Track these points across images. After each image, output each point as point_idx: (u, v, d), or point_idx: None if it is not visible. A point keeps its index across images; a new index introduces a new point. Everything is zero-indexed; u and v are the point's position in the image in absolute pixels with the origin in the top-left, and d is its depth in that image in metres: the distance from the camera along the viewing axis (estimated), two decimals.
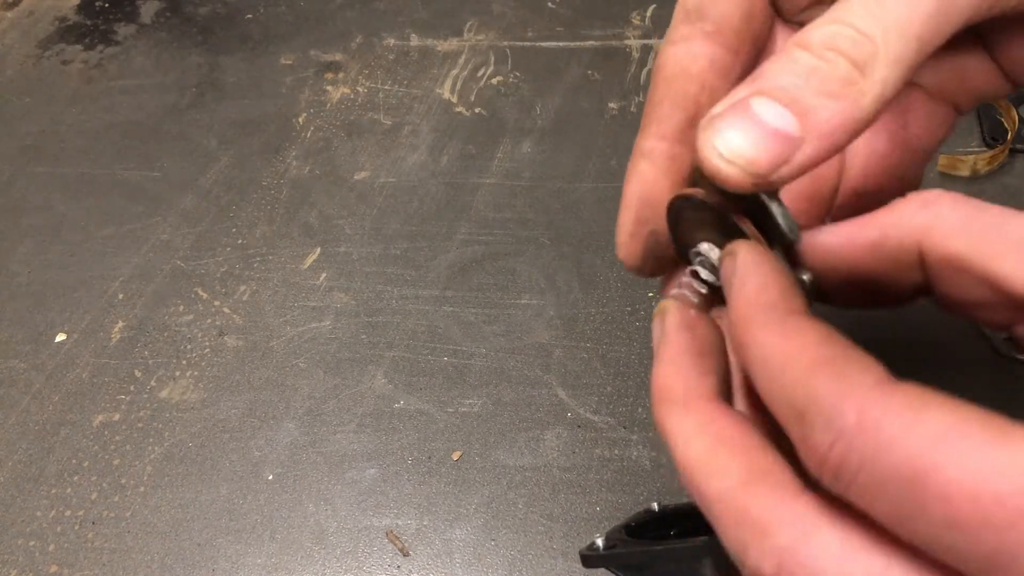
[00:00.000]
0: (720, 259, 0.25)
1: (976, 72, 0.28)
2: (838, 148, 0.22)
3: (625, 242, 0.27)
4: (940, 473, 0.17)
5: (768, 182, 0.22)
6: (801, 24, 0.27)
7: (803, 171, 0.22)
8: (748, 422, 0.22)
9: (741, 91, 0.22)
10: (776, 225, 0.23)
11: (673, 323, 0.25)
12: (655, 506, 0.37)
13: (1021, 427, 0.18)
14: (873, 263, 0.23)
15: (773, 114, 0.21)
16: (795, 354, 0.20)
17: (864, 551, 0.19)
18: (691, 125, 0.26)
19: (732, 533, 0.21)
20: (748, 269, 0.23)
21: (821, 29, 0.22)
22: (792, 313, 0.21)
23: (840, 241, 0.23)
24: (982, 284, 0.21)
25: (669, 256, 0.27)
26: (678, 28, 0.26)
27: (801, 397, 0.19)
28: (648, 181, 0.26)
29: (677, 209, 0.26)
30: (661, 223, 0.26)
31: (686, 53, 0.26)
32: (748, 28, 0.26)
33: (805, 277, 0.24)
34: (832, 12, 0.22)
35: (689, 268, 0.27)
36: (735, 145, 0.21)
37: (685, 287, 0.27)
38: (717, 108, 0.22)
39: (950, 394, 0.19)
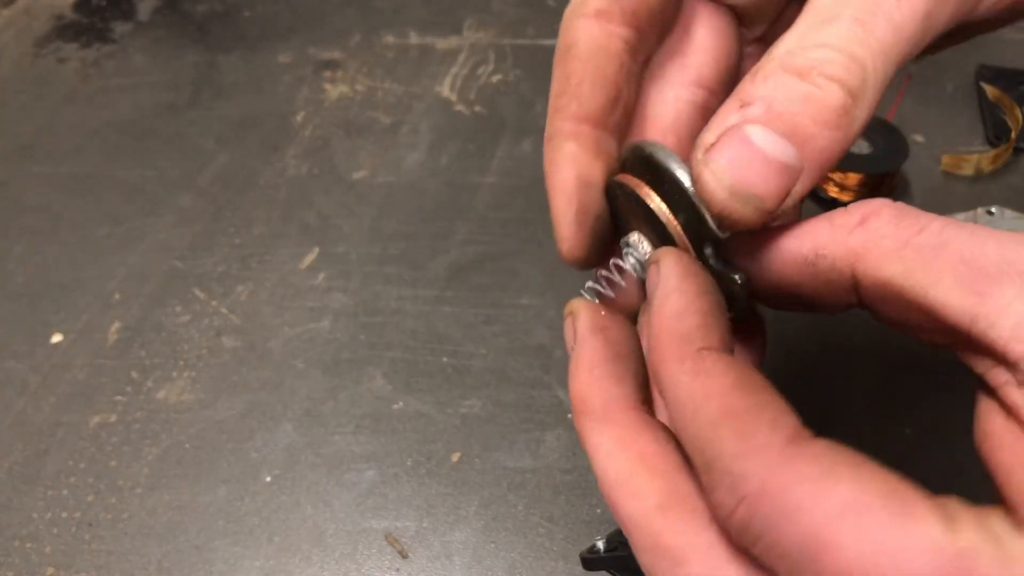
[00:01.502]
0: (647, 265, 0.24)
1: None
2: (825, 174, 0.21)
3: (571, 234, 0.25)
4: (838, 552, 0.17)
5: (772, 218, 0.21)
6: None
7: (799, 202, 0.21)
8: (668, 439, 0.22)
9: (731, 116, 0.21)
10: (705, 222, 0.22)
11: (585, 327, 0.24)
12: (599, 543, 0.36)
13: (923, 501, 0.17)
14: (806, 279, 0.21)
15: (772, 144, 0.20)
16: (703, 401, 0.19)
17: None
18: (613, 107, 0.25)
19: (645, 557, 0.20)
20: (669, 286, 0.22)
21: (809, 54, 0.21)
22: (706, 351, 0.20)
23: (772, 255, 0.22)
24: (916, 310, 0.20)
25: (608, 242, 0.26)
26: (590, 1, 0.25)
27: (708, 450, 0.19)
28: (583, 164, 0.24)
29: (611, 195, 0.25)
30: (602, 208, 0.25)
31: (603, 31, 0.25)
32: (661, 9, 0.25)
33: (737, 277, 0.22)
34: (814, 33, 0.21)
35: (612, 260, 0.25)
36: (743, 184, 0.20)
37: (601, 279, 0.26)
38: (709, 136, 0.21)
39: (859, 454, 0.18)
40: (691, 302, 0.21)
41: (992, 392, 0.19)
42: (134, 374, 0.48)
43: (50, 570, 0.41)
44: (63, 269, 0.54)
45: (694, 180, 0.21)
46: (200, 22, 0.72)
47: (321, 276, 0.52)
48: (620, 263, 0.25)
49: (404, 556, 0.40)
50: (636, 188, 0.23)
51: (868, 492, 0.17)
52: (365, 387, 0.46)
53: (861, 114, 0.21)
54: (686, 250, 0.23)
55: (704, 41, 0.26)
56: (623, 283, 0.25)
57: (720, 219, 0.21)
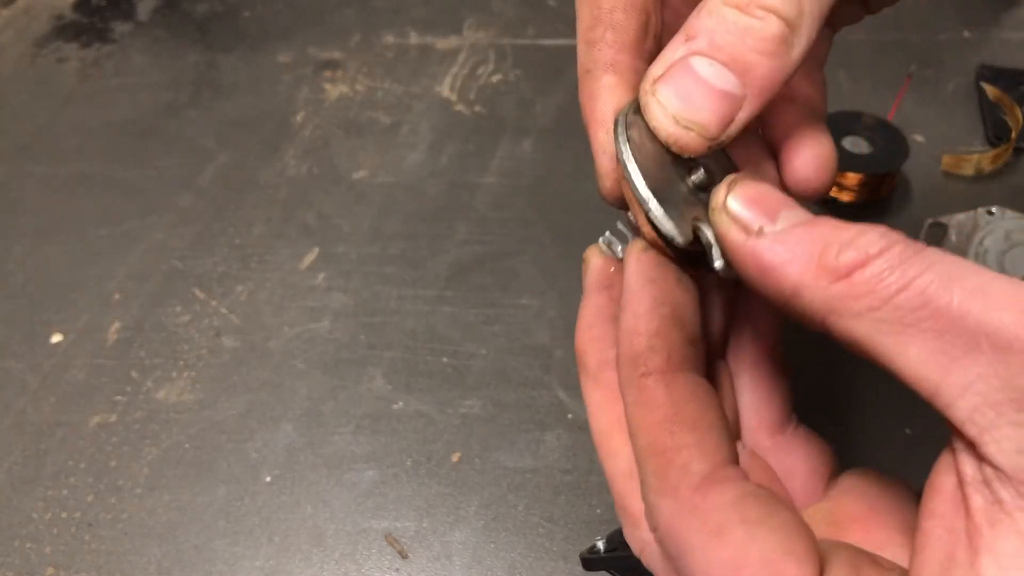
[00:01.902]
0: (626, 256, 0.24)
1: None
2: (769, 101, 0.22)
3: (612, 169, 0.25)
4: None
5: (718, 143, 0.22)
6: None
7: (744, 128, 0.22)
8: None
9: (678, 49, 0.22)
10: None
11: (591, 281, 0.26)
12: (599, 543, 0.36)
13: (798, 568, 0.19)
14: (780, 303, 0.22)
15: (715, 74, 0.21)
16: (635, 432, 0.22)
17: None
18: (644, 33, 0.25)
19: (617, 508, 0.24)
20: (632, 290, 0.23)
21: None
22: (647, 377, 0.22)
23: (758, 267, 0.22)
24: (883, 366, 0.20)
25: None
26: None
27: (639, 469, 0.22)
28: (621, 95, 0.25)
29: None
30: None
31: None
32: None
33: (718, 265, 0.22)
34: None
35: (619, 221, 0.26)
36: (687, 111, 0.21)
37: (616, 234, 0.26)
38: (657, 69, 0.22)
39: (769, 502, 0.20)
40: (641, 320, 0.22)
41: (953, 452, 0.19)
42: (134, 374, 0.48)
43: (50, 570, 0.41)
44: (63, 269, 0.54)
45: (643, 110, 0.22)
46: (200, 22, 0.72)
47: (321, 276, 0.52)
48: (623, 228, 0.26)
49: (404, 556, 0.40)
50: (624, 168, 0.23)
51: (748, 555, 0.19)
52: (365, 387, 0.46)
53: (799, 43, 0.22)
54: (656, 247, 0.23)
55: None
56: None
57: (668, 146, 0.22)
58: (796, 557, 0.19)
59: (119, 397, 0.47)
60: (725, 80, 0.21)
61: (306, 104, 0.63)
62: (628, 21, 0.25)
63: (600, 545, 0.33)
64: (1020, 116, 0.53)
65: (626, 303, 0.23)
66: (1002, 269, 0.47)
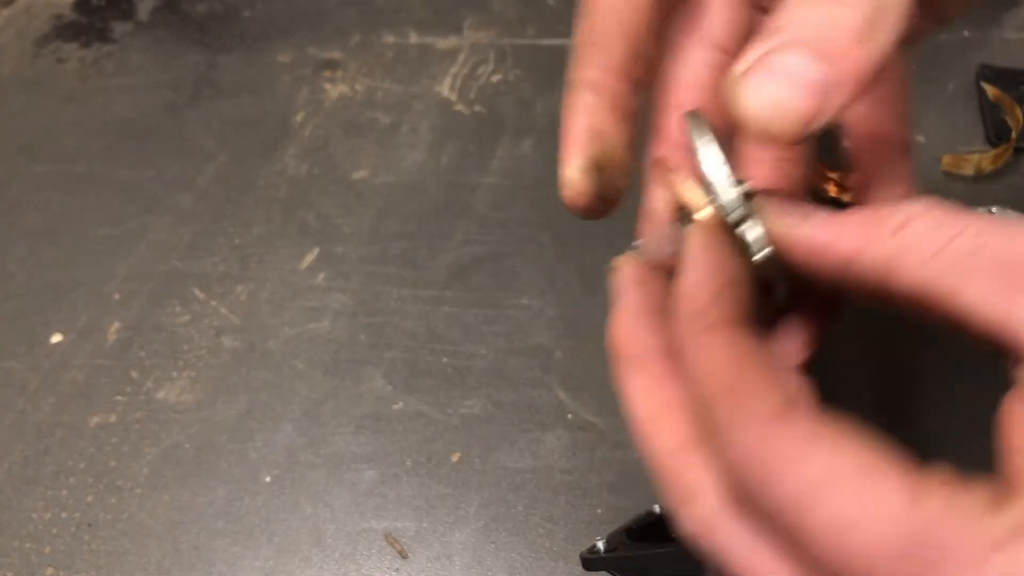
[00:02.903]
0: (681, 230, 0.25)
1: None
2: (864, 89, 0.22)
3: (576, 178, 0.26)
4: (813, 517, 0.18)
5: (805, 134, 0.21)
6: None
7: (837, 117, 0.22)
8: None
9: (763, 44, 0.21)
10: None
11: (627, 279, 0.27)
12: (656, 509, 0.36)
13: (897, 474, 0.19)
14: (836, 276, 0.22)
15: (802, 65, 0.21)
16: (704, 376, 0.21)
17: (766, 554, 0.20)
18: (634, 59, 0.26)
19: (667, 491, 0.23)
20: (689, 260, 0.23)
21: None
22: (712, 329, 0.22)
23: (809, 248, 0.23)
24: (945, 315, 0.20)
25: (613, 196, 0.28)
26: None
27: (708, 414, 0.21)
28: (596, 114, 0.26)
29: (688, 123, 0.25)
30: (613, 161, 0.26)
31: None
32: None
33: (767, 252, 0.23)
34: None
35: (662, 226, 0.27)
36: (776, 101, 0.21)
37: (652, 240, 0.27)
38: (743, 64, 0.22)
39: (848, 425, 0.20)
40: (705, 277, 0.23)
41: (1019, 384, 0.20)
42: (134, 374, 0.48)
43: (50, 570, 0.41)
44: (63, 269, 0.54)
45: (730, 105, 0.22)
46: (200, 22, 0.72)
47: (321, 276, 0.52)
48: (666, 230, 0.27)
49: (404, 556, 0.40)
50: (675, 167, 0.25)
51: (841, 464, 0.19)
52: (365, 387, 0.46)
53: (885, 28, 0.21)
54: (719, 226, 0.24)
55: (720, 9, 0.27)
56: (670, 247, 0.27)
57: (758, 138, 0.22)
58: (890, 463, 0.19)
59: (119, 397, 0.47)
60: (813, 70, 0.21)
61: (306, 104, 0.63)
62: (617, 45, 0.25)
63: (600, 545, 0.34)
64: (1020, 116, 0.53)
65: (687, 267, 0.23)
66: None
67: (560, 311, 0.49)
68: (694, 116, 0.24)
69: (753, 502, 0.20)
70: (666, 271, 0.26)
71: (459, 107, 0.62)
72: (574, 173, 0.26)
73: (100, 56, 0.70)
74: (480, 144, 0.59)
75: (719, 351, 0.22)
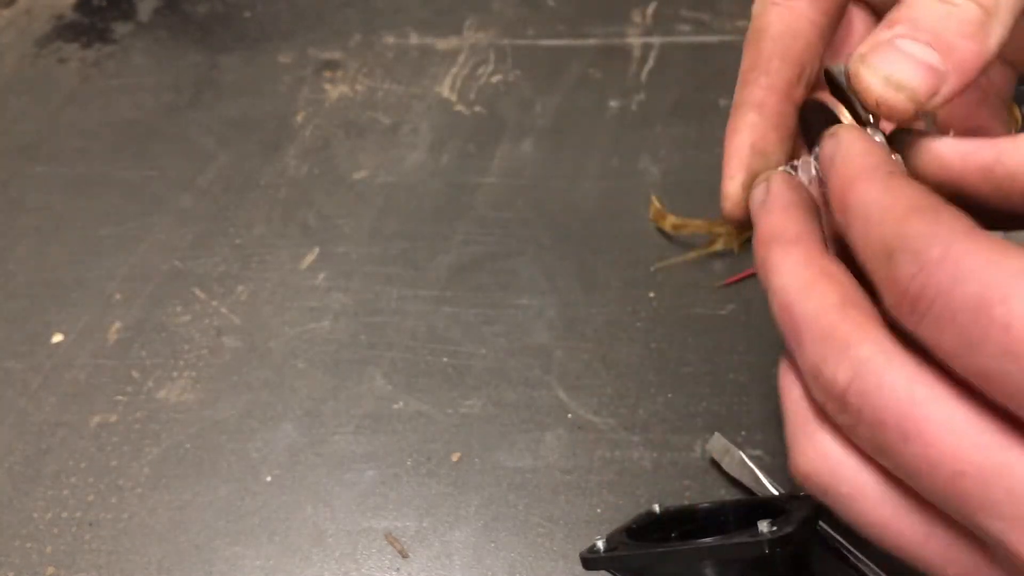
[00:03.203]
0: (822, 141, 0.26)
1: None
2: (972, 82, 0.24)
3: (738, 193, 0.28)
4: (1006, 305, 0.18)
5: (924, 110, 0.24)
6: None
7: (948, 101, 0.24)
8: (847, 268, 0.24)
9: (883, 33, 0.24)
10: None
11: (780, 183, 0.27)
12: (656, 508, 0.36)
13: None
14: (979, 185, 0.24)
15: (919, 50, 0.24)
16: (893, 204, 0.22)
17: (930, 382, 0.21)
18: (798, 81, 0.28)
19: (814, 347, 0.23)
20: (851, 142, 0.25)
21: None
22: (894, 174, 0.23)
23: (953, 156, 0.24)
24: None
25: None
26: None
27: (894, 237, 0.21)
28: (760, 133, 0.28)
29: (804, 118, 0.28)
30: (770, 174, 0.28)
31: (791, 13, 0.28)
32: None
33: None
34: None
35: (803, 157, 0.29)
36: (899, 76, 0.24)
37: (800, 166, 0.29)
38: (864, 48, 0.24)
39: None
40: (873, 147, 0.24)
41: None
42: (135, 374, 0.48)
43: (50, 570, 0.41)
44: (64, 269, 0.54)
45: (850, 77, 0.25)
46: (201, 23, 0.72)
47: (321, 276, 0.52)
48: (810, 160, 0.28)
49: (404, 556, 0.40)
50: (823, 99, 0.27)
51: None
52: (365, 387, 0.46)
53: (997, 28, 0.24)
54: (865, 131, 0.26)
55: (862, 29, 0.31)
56: (815, 172, 0.28)
57: (876, 109, 0.25)
58: None
59: (120, 397, 0.47)
60: (929, 56, 0.24)
61: (306, 104, 0.64)
62: (782, 68, 0.28)
63: (600, 545, 0.34)
64: (1019, 116, 0.53)
65: (850, 145, 0.25)
66: None
67: (560, 311, 0.49)
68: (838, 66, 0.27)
69: (931, 315, 0.20)
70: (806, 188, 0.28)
71: (459, 107, 0.62)
72: (736, 188, 0.28)
73: (101, 57, 0.70)
74: (480, 144, 0.59)
75: (905, 187, 0.22)
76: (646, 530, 0.35)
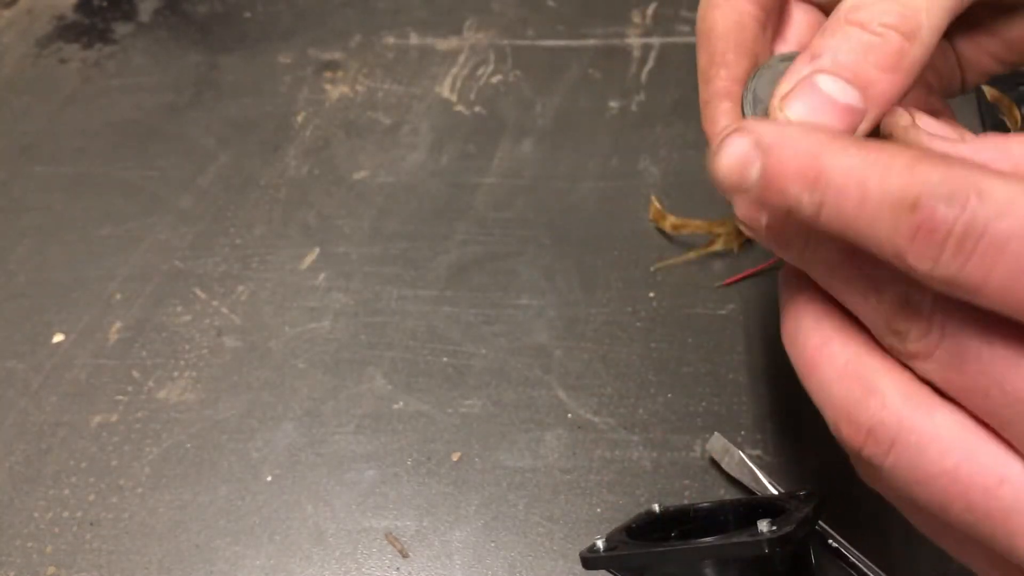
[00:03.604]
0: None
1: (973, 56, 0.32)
2: (889, 110, 0.25)
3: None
4: None
5: None
6: None
7: (866, 132, 0.25)
8: None
9: (804, 68, 0.25)
10: None
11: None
12: (656, 508, 0.36)
13: None
14: None
15: (838, 90, 0.24)
16: (891, 159, 0.21)
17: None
18: (753, 68, 0.29)
19: (843, 402, 0.24)
20: (793, 126, 0.24)
21: (871, 8, 0.24)
22: (856, 137, 0.23)
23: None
24: None
25: None
26: None
27: (913, 186, 0.20)
28: (733, 116, 0.29)
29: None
30: None
31: (733, 11, 0.30)
32: None
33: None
34: None
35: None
36: (814, 122, 0.24)
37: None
38: (784, 86, 0.25)
39: None
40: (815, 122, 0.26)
41: None
42: (135, 374, 0.48)
43: (51, 569, 0.41)
44: (64, 269, 0.54)
45: (774, 118, 0.25)
46: (201, 23, 0.72)
47: (322, 276, 0.52)
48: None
49: (404, 555, 0.40)
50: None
51: None
52: (365, 387, 0.47)
53: (917, 56, 0.24)
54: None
55: (799, 16, 0.32)
56: None
57: None
58: None
59: (120, 397, 0.47)
60: (848, 95, 0.24)
61: (307, 105, 0.64)
62: (738, 60, 0.29)
63: (600, 544, 0.34)
64: (1019, 117, 0.54)
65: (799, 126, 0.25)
66: None
67: (560, 311, 0.49)
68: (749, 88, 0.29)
69: (983, 249, 0.20)
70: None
71: (459, 108, 0.62)
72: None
73: (102, 57, 0.70)
74: (480, 144, 0.59)
75: (884, 143, 0.22)
76: (646, 530, 0.35)
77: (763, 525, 0.29)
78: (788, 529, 0.29)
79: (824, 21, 0.30)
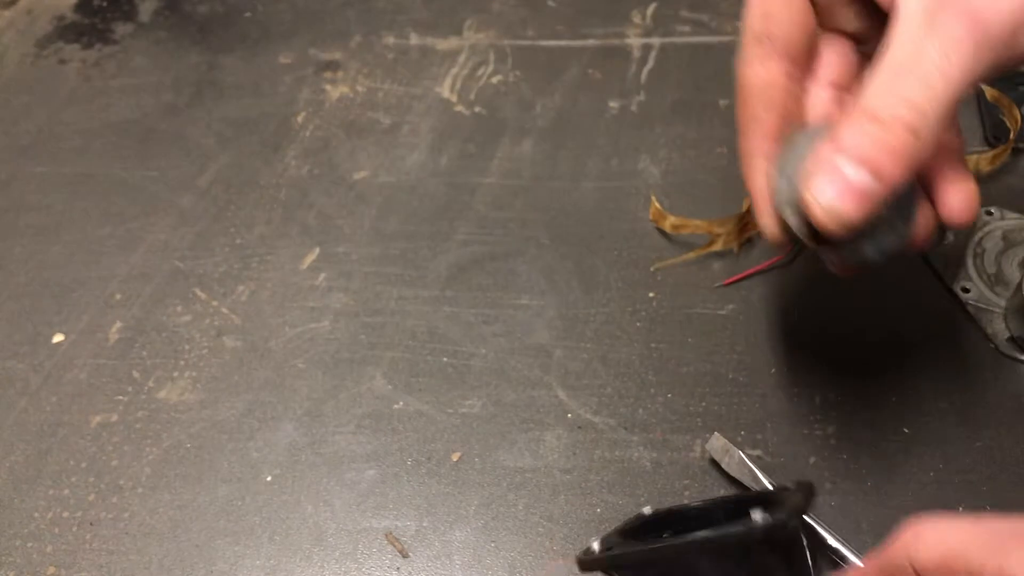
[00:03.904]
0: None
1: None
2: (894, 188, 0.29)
3: (770, 224, 0.34)
4: None
5: (853, 225, 0.29)
6: (836, 29, 0.35)
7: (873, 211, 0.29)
8: None
9: (828, 153, 0.29)
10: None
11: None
12: (647, 511, 0.36)
13: None
14: None
15: (856, 175, 0.29)
16: None
17: None
18: (785, 123, 0.34)
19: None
20: None
21: (888, 107, 0.29)
22: None
23: None
24: None
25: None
26: (752, 50, 0.34)
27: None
28: (769, 176, 0.33)
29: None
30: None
31: (766, 70, 0.34)
32: (806, 42, 0.34)
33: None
34: (889, 87, 0.29)
35: None
36: (834, 204, 0.29)
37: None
38: (812, 167, 0.29)
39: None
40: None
41: None
42: (135, 374, 0.48)
43: (51, 569, 0.41)
44: (64, 269, 0.54)
45: (799, 197, 0.30)
46: (201, 23, 0.72)
47: (322, 276, 0.52)
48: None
49: (404, 555, 0.40)
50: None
51: None
52: (365, 387, 0.47)
53: (924, 145, 0.29)
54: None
55: (830, 58, 0.36)
56: None
57: (816, 224, 0.30)
58: None
59: (120, 397, 0.47)
60: (863, 178, 0.29)
61: (307, 105, 0.64)
62: (769, 116, 0.34)
63: (595, 546, 0.34)
64: (1019, 116, 0.54)
65: None
66: (999, 269, 0.47)
67: (560, 311, 0.49)
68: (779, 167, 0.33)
69: None
70: None
71: (459, 108, 0.62)
72: (770, 221, 0.34)
73: (102, 57, 0.70)
74: (480, 144, 0.59)
75: None
76: (640, 531, 0.35)
77: (756, 514, 0.30)
78: (781, 516, 0.30)
79: (853, 53, 0.35)
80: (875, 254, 0.32)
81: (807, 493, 0.33)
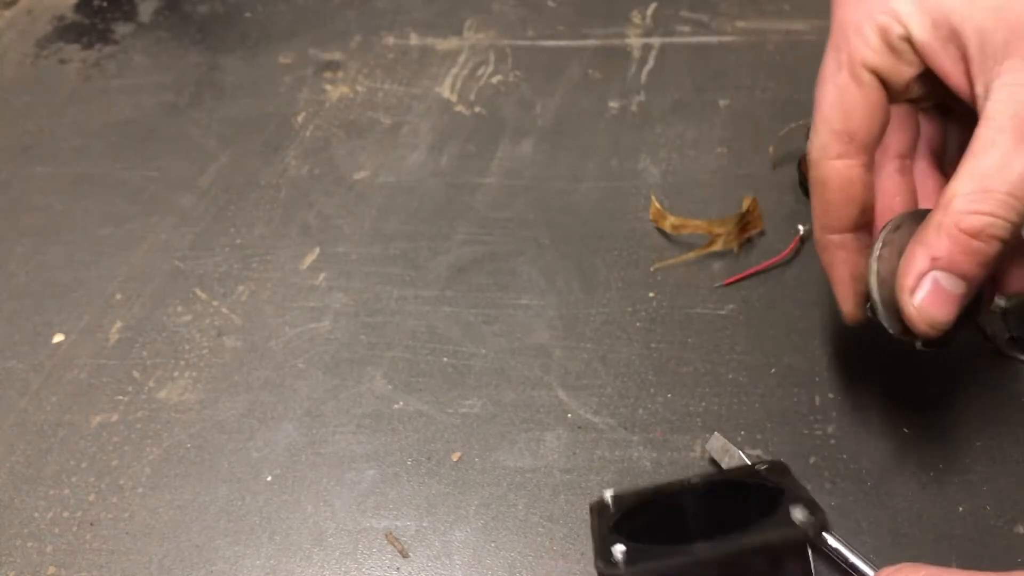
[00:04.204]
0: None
1: None
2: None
3: (852, 310, 0.37)
4: None
5: (945, 327, 0.32)
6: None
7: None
8: None
9: (923, 261, 0.32)
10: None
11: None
12: (608, 495, 0.36)
13: None
14: None
15: (951, 283, 0.31)
16: None
17: None
18: (862, 214, 0.36)
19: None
20: None
21: (978, 219, 0.30)
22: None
23: None
24: None
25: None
26: (833, 146, 0.35)
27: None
28: (852, 263, 0.37)
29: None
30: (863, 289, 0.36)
31: (846, 167, 0.35)
32: (881, 135, 0.35)
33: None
34: (979, 199, 0.30)
35: None
36: (931, 313, 0.32)
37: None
38: (909, 279, 0.32)
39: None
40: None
41: None
42: (135, 374, 0.48)
43: (51, 569, 0.41)
44: (65, 269, 0.54)
45: (900, 307, 0.33)
46: (201, 23, 0.72)
47: (322, 276, 0.52)
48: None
49: (404, 555, 0.40)
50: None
51: None
52: (365, 387, 0.47)
53: (1008, 248, 0.31)
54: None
55: (894, 132, 0.37)
56: None
57: (912, 327, 0.33)
58: None
59: (120, 397, 0.47)
60: (957, 286, 0.31)
61: (307, 105, 0.64)
62: (848, 211, 0.36)
63: (608, 498, 0.34)
64: None
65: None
66: None
67: (560, 311, 0.49)
68: (874, 258, 0.35)
69: None
70: None
71: (459, 108, 0.62)
72: (853, 308, 0.37)
73: (102, 57, 0.70)
74: (480, 144, 0.59)
75: None
76: (632, 523, 0.35)
77: (798, 514, 0.32)
78: (823, 516, 0.32)
79: (912, 117, 0.38)
80: (952, 339, 0.34)
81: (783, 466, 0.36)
